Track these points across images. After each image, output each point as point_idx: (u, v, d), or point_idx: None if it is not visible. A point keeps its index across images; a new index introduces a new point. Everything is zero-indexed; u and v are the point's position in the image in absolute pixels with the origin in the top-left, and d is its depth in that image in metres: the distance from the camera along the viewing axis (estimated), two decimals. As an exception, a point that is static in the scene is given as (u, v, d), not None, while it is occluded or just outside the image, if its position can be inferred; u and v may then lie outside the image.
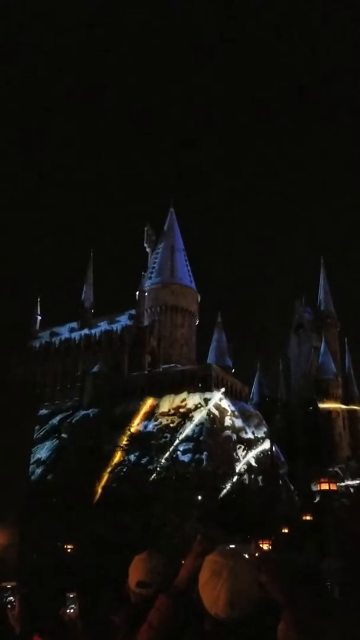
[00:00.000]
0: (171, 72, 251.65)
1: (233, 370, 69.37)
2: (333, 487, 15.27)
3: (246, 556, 1.69)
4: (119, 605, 2.58)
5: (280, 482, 47.61)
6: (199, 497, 32.88)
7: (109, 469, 44.15)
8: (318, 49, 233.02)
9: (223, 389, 56.26)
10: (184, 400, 54.05)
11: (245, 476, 46.27)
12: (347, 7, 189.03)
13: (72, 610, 3.84)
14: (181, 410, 52.80)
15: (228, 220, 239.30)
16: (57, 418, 59.12)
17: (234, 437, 52.29)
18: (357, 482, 53.04)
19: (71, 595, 4.11)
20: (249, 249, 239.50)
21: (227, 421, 53.58)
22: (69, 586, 5.16)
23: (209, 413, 52.09)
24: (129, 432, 47.22)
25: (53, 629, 3.04)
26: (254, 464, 48.93)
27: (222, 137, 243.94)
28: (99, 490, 42.32)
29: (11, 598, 2.88)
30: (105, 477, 43.81)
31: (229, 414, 54.39)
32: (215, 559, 1.66)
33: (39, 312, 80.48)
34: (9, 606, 2.83)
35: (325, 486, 15.04)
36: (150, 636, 1.71)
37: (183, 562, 1.89)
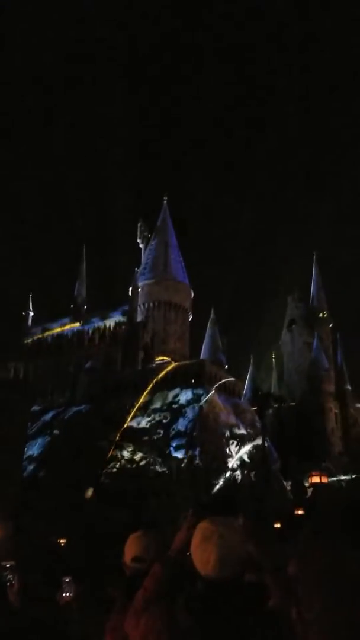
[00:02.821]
0: (168, 68, 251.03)
1: (226, 366, 69.64)
2: (324, 479, 15.48)
3: (234, 524, 1.83)
4: (116, 581, 2.70)
5: (273, 477, 47.92)
6: (192, 492, 33.10)
7: (101, 465, 44.32)
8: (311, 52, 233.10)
9: (216, 385, 56.47)
10: (177, 396, 54.22)
11: (238, 472, 46.57)
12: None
13: (68, 594, 3.96)
14: (174, 406, 53.01)
15: (222, 215, 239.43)
16: (50, 414, 59.13)
17: (227, 432, 52.52)
18: (349, 477, 53.46)
19: (67, 580, 4.22)
20: (242, 244, 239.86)
21: (220, 417, 53.80)
22: (64, 572, 5.28)
23: (202, 409, 52.29)
24: (122, 428, 47.42)
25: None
26: (246, 459, 49.23)
27: (217, 132, 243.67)
28: (92, 486, 42.53)
29: (10, 576, 2.99)
30: (99, 473, 44.00)
31: (222, 409, 54.60)
32: (205, 525, 1.81)
33: (31, 308, 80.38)
34: (8, 584, 2.94)
35: (316, 479, 15.27)
36: (145, 599, 1.85)
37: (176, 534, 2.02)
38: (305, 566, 0.70)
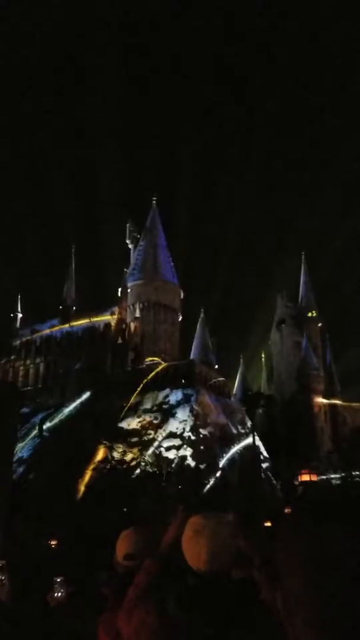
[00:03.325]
0: (156, 69, 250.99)
1: (216, 366, 69.75)
2: (314, 478, 15.57)
3: (224, 519, 1.86)
4: (108, 579, 2.72)
5: (263, 476, 48.09)
6: (183, 492, 33.14)
7: (92, 466, 44.22)
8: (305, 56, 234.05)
9: (206, 385, 56.54)
10: (167, 396, 54.23)
11: (228, 471, 46.67)
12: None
13: (60, 594, 3.96)
14: (164, 406, 53.02)
15: (211, 216, 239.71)
16: (39, 416, 58.88)
17: (218, 432, 52.62)
18: (339, 474, 53.74)
19: (59, 580, 4.23)
20: (231, 244, 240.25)
21: (211, 417, 53.87)
22: (56, 572, 5.28)
23: (192, 409, 52.33)
24: (112, 430, 47.33)
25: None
26: (237, 459, 49.35)
27: (204, 133, 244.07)
28: (82, 487, 42.42)
29: (1, 577, 3.00)
30: (89, 474, 43.89)
31: (212, 409, 54.68)
32: (196, 520, 1.83)
33: (19, 309, 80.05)
34: (-1, 584, 2.95)
35: (306, 477, 15.36)
36: (137, 595, 1.87)
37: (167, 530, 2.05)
38: (287, 555, 0.71)
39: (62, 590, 3.98)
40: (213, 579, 1.74)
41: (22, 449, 52.08)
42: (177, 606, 1.74)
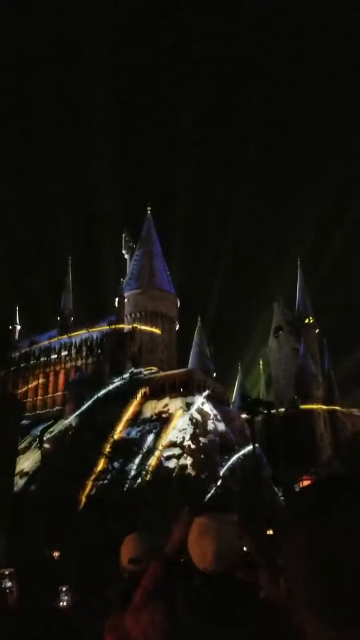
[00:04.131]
0: (153, 81, 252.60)
1: (214, 374, 69.71)
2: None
3: (229, 520, 1.91)
4: (113, 585, 2.76)
5: (264, 483, 47.92)
6: (184, 501, 32.96)
7: (93, 477, 44.02)
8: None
9: (205, 393, 56.48)
10: (166, 405, 54.15)
11: (229, 480, 46.49)
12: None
13: (65, 603, 3.99)
14: (164, 415, 52.93)
15: (206, 224, 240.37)
16: (39, 428, 58.70)
17: (217, 440, 52.51)
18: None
19: (64, 589, 4.25)
20: (227, 251, 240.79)
21: (210, 425, 53.78)
22: (59, 582, 5.30)
23: (192, 418, 52.24)
24: (112, 439, 47.16)
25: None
26: (237, 466, 49.16)
27: (198, 142, 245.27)
28: (83, 498, 42.21)
29: (9, 584, 3.04)
30: (90, 484, 43.69)
31: (211, 418, 54.58)
32: (202, 520, 1.88)
33: (17, 321, 79.96)
34: (7, 591, 2.98)
35: (306, 484, 15.32)
36: (144, 596, 1.92)
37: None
38: (289, 547, 0.75)
39: (67, 599, 4.01)
40: (219, 579, 1.78)
41: (24, 461, 51.89)
42: (184, 606, 1.78)
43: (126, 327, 68.55)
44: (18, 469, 45.49)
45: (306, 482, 15.51)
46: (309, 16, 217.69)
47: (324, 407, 74.12)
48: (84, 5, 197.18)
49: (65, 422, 56.86)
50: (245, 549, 1.93)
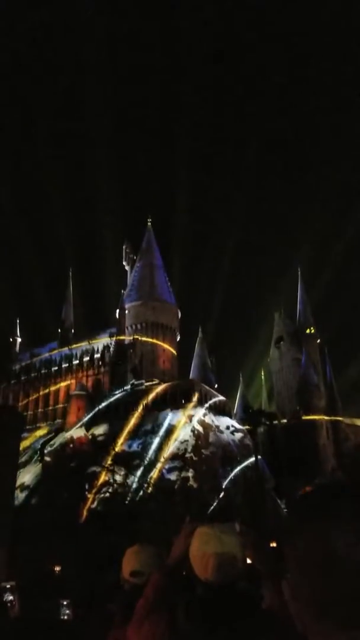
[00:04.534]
0: (152, 88, 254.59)
1: (216, 385, 69.49)
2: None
3: (232, 529, 1.89)
4: (115, 597, 2.73)
5: (267, 495, 47.61)
6: (186, 513, 32.74)
7: (94, 490, 43.78)
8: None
9: (207, 405, 56.30)
10: (168, 417, 53.93)
11: (232, 491, 46.19)
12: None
13: (66, 616, 3.95)
14: (165, 427, 52.68)
15: (207, 234, 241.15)
16: (40, 441, 58.49)
17: (219, 452, 52.24)
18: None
19: (65, 602, 4.21)
20: (227, 262, 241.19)
21: (212, 437, 53.53)
22: (61, 595, 5.27)
23: (193, 429, 52.02)
24: (113, 452, 46.96)
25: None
26: (240, 478, 48.87)
27: (199, 154, 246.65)
28: (85, 512, 41.94)
29: (10, 597, 3.01)
30: (91, 498, 43.44)
31: (213, 429, 54.36)
32: (204, 530, 1.86)
33: (18, 334, 79.95)
34: (9, 605, 2.95)
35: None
36: (146, 607, 1.89)
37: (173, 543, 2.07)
38: (294, 548, 0.74)
39: (68, 612, 4.00)
40: (221, 590, 1.76)
41: (24, 474, 51.60)
42: (186, 616, 1.76)
43: (127, 338, 68.47)
44: (19, 482, 45.25)
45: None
46: (309, 17, 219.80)
47: (326, 417, 73.82)
48: (85, 12, 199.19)
49: (67, 434, 56.66)
50: (247, 559, 1.91)
